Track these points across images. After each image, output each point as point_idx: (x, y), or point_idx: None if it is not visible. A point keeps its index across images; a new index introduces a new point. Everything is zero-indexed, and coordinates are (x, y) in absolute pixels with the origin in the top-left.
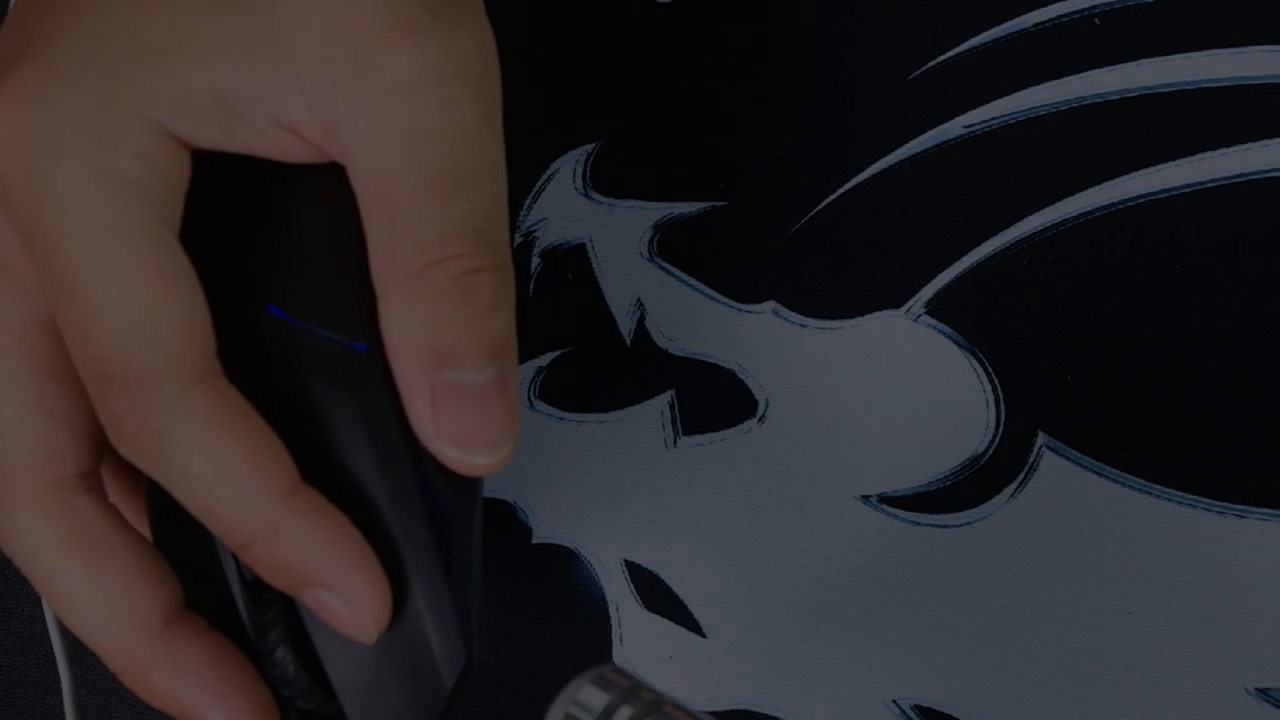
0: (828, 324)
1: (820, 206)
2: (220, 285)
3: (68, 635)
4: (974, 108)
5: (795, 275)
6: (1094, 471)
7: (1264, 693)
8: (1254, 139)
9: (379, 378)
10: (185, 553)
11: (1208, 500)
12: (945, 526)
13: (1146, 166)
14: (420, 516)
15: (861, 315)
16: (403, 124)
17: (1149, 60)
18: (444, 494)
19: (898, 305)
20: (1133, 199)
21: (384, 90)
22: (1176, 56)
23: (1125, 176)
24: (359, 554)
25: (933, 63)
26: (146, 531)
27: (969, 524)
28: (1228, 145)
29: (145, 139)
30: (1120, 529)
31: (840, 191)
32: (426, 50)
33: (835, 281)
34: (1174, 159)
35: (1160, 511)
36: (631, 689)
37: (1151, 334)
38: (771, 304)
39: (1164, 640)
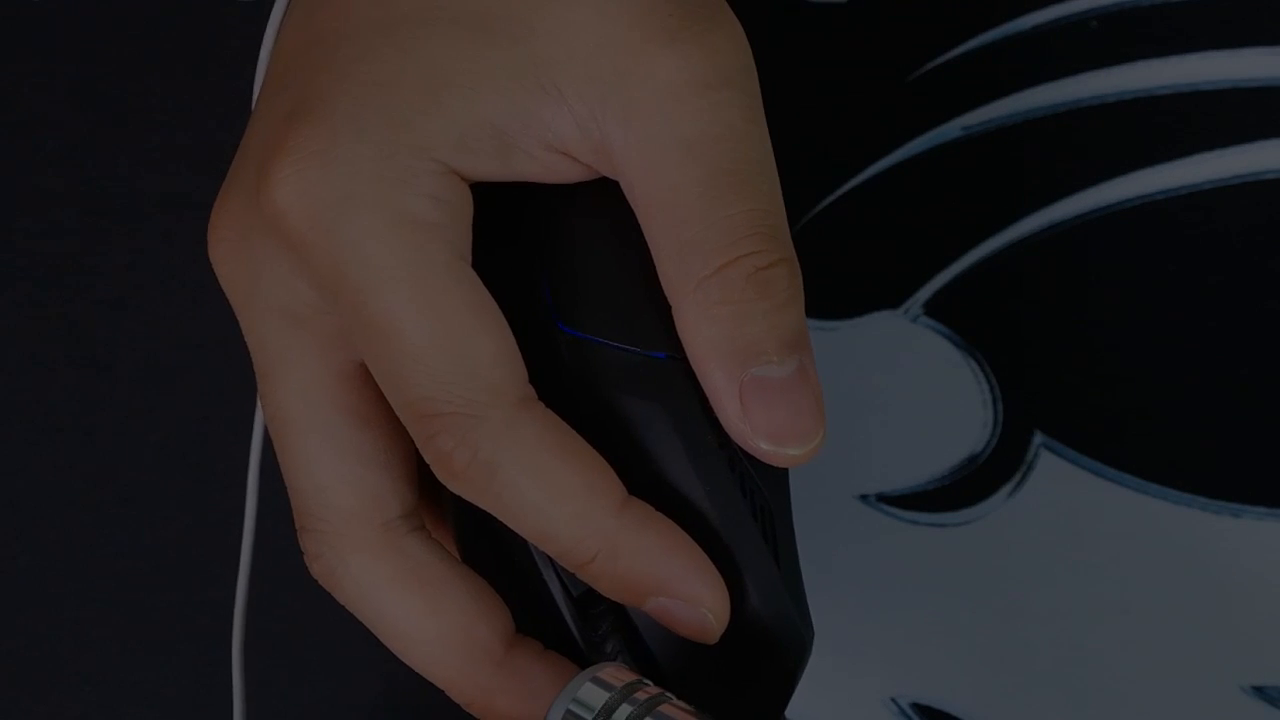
0: (826, 324)
1: (819, 207)
2: (512, 310)
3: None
4: (972, 109)
5: None
6: (1091, 471)
7: (1259, 690)
8: (1250, 140)
9: (682, 383)
10: (502, 577)
11: (1204, 499)
12: (943, 525)
13: (1143, 168)
14: (744, 512)
15: (860, 315)
16: (676, 132)
17: (1145, 62)
18: (761, 487)
19: (896, 305)
20: (1130, 200)
21: (652, 101)
22: (1173, 59)
23: (1122, 178)
24: (694, 558)
25: (931, 64)
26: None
27: (967, 523)
28: (1224, 147)
29: (433, 179)
30: (1116, 528)
31: (839, 192)
32: (688, 57)
33: (834, 282)
34: (1170, 160)
35: (1156, 510)
36: (631, 686)
37: (1148, 334)
38: None
39: (1160, 638)
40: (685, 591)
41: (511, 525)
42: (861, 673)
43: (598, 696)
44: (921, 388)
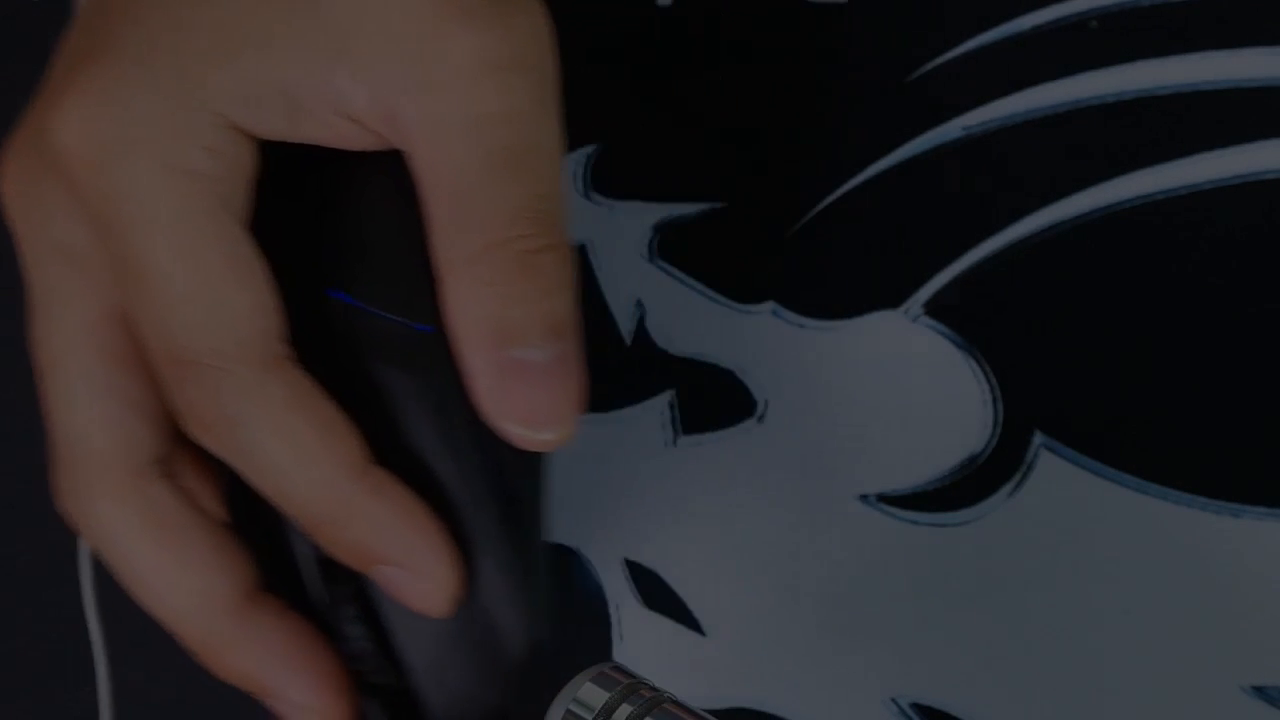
0: (826, 324)
1: (820, 207)
2: (286, 272)
3: (106, 624)
4: (972, 109)
5: (794, 275)
6: (1091, 471)
7: (1260, 690)
8: (1250, 140)
9: (444, 358)
10: (260, 533)
11: (1204, 499)
12: (943, 525)
13: (1143, 168)
14: (488, 494)
15: (860, 315)
16: (463, 110)
17: (1145, 62)
18: (510, 471)
19: (896, 305)
20: (1130, 200)
21: (444, 77)
22: (1173, 59)
23: (1122, 178)
24: (429, 531)
25: (931, 65)
26: (222, 515)
27: (967, 523)
28: (1224, 147)
29: (214, 133)
30: (1117, 528)
31: (839, 192)
32: (484, 37)
33: (834, 282)
34: (1170, 160)
35: (1156, 510)
36: (631, 686)
37: (1148, 334)
38: (771, 304)
39: (1160, 638)
40: (414, 564)
41: (252, 481)
42: (862, 672)
43: (598, 696)
44: (921, 388)
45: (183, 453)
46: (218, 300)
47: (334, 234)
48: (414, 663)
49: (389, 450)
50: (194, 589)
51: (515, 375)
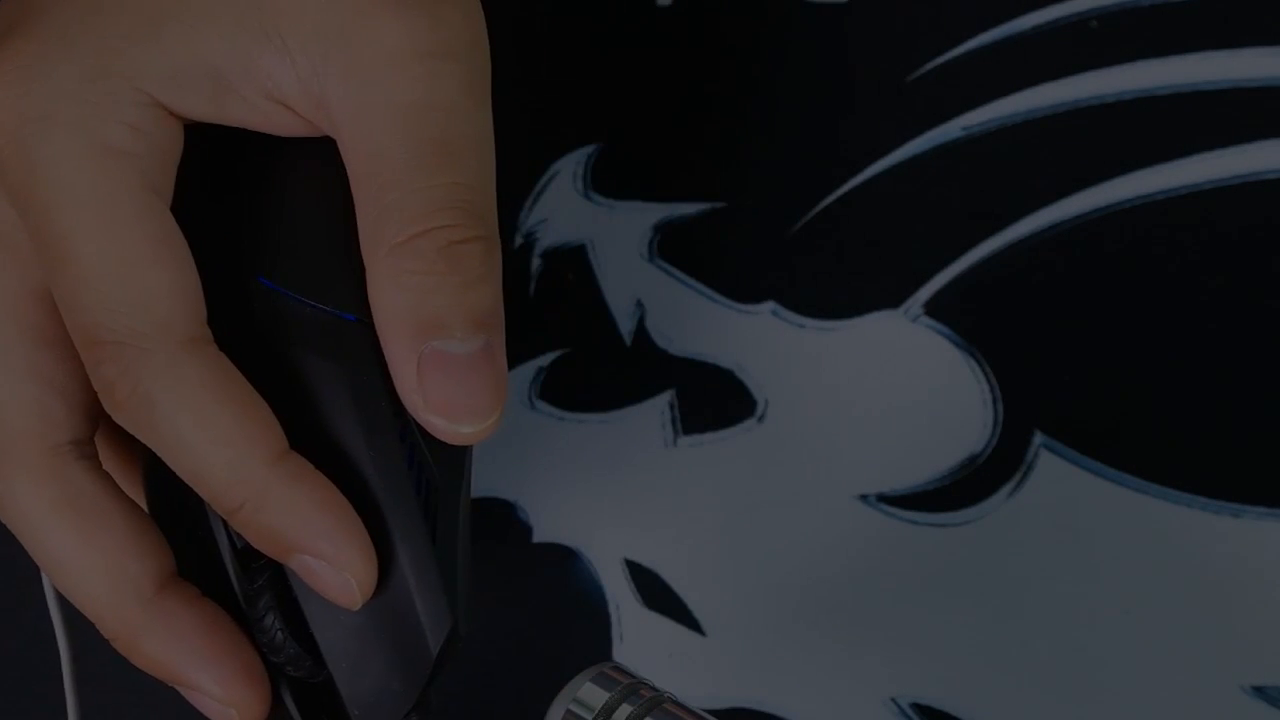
0: (826, 324)
1: (819, 207)
2: (212, 256)
3: (72, 632)
4: (972, 109)
5: (794, 276)
6: (1091, 471)
7: (1259, 690)
8: (1249, 140)
9: (368, 348)
10: (178, 520)
11: (1204, 499)
12: (943, 525)
13: (1143, 168)
14: (407, 485)
15: (860, 315)
16: (390, 97)
17: (1145, 62)
18: (431, 463)
19: (896, 305)
20: (1130, 200)
21: (372, 63)
22: (1173, 59)
23: (1122, 178)
24: (345, 520)
25: (932, 64)
26: (143, 500)
27: (967, 523)
28: (1223, 147)
29: (136, 110)
30: (1116, 527)
31: (839, 192)
32: (414, 24)
33: (834, 282)
34: (1170, 160)
35: (1156, 510)
36: (631, 686)
37: (1148, 334)
38: (770, 304)
39: (1160, 638)
40: (330, 552)
41: (168, 463)
42: (861, 673)
43: (598, 696)
44: (921, 388)
45: (105, 437)
46: (136, 280)
47: (263, 220)
48: (330, 653)
49: (310, 438)
50: (106, 573)
51: (437, 367)
